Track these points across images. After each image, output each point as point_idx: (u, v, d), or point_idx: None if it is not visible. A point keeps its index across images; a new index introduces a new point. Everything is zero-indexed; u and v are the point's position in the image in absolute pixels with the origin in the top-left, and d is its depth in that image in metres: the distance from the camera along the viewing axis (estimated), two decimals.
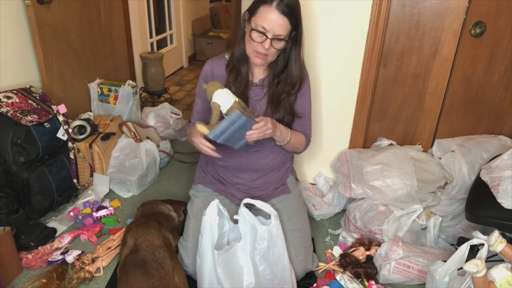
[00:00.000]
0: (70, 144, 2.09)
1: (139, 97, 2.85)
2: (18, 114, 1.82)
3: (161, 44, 4.47)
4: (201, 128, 1.32)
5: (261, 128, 1.35)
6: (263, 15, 1.35)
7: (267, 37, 1.36)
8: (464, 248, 1.32)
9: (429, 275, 1.45)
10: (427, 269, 1.51)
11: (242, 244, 1.37)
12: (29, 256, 1.66)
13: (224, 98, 1.32)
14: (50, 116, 1.96)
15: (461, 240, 1.79)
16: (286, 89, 1.53)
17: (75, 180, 2.13)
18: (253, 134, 1.35)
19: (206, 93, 1.36)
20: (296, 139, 1.61)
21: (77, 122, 2.24)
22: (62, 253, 1.72)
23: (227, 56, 1.58)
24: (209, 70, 1.58)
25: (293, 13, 1.36)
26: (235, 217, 1.43)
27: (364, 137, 2.15)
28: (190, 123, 1.68)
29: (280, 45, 1.40)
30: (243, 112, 1.27)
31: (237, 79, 1.52)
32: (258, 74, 1.57)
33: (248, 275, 1.35)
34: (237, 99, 1.33)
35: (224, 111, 1.33)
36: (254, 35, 1.38)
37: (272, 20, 1.34)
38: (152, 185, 2.37)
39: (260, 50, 1.40)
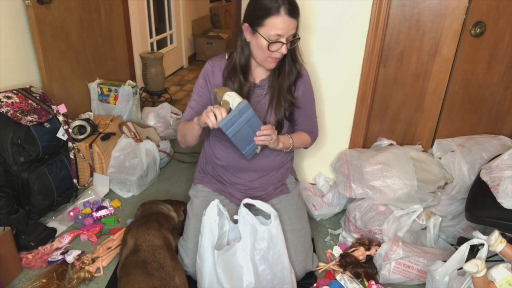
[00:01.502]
0: (70, 144, 2.09)
1: (139, 97, 2.85)
2: (18, 114, 1.82)
3: (161, 44, 4.46)
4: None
5: (268, 130, 1.40)
6: (274, 25, 1.35)
7: (283, 43, 1.38)
8: (464, 248, 1.32)
9: (429, 275, 1.45)
10: (427, 269, 1.51)
11: (242, 244, 1.37)
12: (29, 256, 1.66)
13: (234, 97, 1.37)
14: (50, 116, 1.96)
15: (461, 240, 1.79)
16: (283, 82, 1.54)
17: (75, 180, 2.13)
18: (261, 134, 1.39)
19: (216, 95, 1.42)
20: (300, 141, 1.66)
21: (77, 122, 2.24)
22: (62, 253, 1.72)
23: (227, 57, 1.58)
24: (210, 70, 1.58)
25: (298, 10, 1.37)
26: (235, 217, 1.43)
27: (364, 137, 2.15)
28: (181, 117, 1.66)
29: (294, 43, 1.43)
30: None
31: (238, 85, 1.52)
32: (260, 75, 1.57)
33: (248, 275, 1.35)
34: (246, 101, 1.37)
35: (231, 104, 1.39)
36: (272, 45, 1.38)
37: (284, 27, 1.35)
38: (152, 185, 2.37)
39: (277, 56, 1.42)
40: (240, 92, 1.52)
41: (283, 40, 1.37)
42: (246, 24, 1.42)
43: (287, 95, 1.55)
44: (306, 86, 1.63)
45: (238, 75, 1.52)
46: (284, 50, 1.39)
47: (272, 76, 1.56)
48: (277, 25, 1.35)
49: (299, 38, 1.42)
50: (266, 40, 1.37)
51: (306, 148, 1.80)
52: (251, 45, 1.45)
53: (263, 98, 1.57)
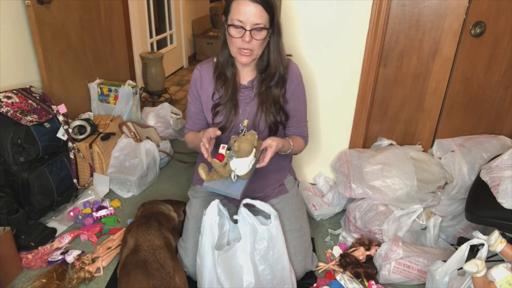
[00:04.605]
0: (70, 144, 2.09)
1: (139, 97, 2.85)
2: (18, 114, 1.82)
3: (161, 44, 4.46)
4: (202, 172, 1.33)
5: (266, 159, 1.38)
6: (236, 9, 1.33)
7: (245, 30, 1.34)
8: (464, 248, 1.32)
9: (429, 275, 1.45)
10: (427, 269, 1.51)
11: (242, 244, 1.37)
12: (29, 256, 1.66)
13: (244, 166, 1.33)
14: (50, 116, 1.96)
15: (461, 240, 1.79)
16: (270, 83, 1.50)
17: (75, 180, 2.13)
18: (262, 164, 1.38)
19: (236, 145, 1.31)
20: (297, 144, 1.62)
21: (77, 122, 2.24)
22: (62, 253, 1.72)
23: (215, 60, 1.56)
24: (198, 75, 1.57)
25: None
26: (235, 217, 1.43)
27: (364, 137, 2.15)
28: (186, 129, 1.67)
29: (261, 35, 1.37)
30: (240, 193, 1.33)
31: (225, 84, 1.51)
32: (247, 76, 1.55)
33: (248, 275, 1.35)
34: (239, 195, 1.33)
35: (233, 174, 1.34)
36: (233, 31, 1.36)
37: (246, 11, 1.32)
38: (152, 185, 2.37)
39: (243, 46, 1.38)
40: (226, 93, 1.50)
41: (246, 27, 1.34)
42: (223, 16, 1.42)
43: (277, 99, 1.52)
44: (297, 85, 1.57)
45: (222, 76, 1.51)
46: (247, 37, 1.35)
47: (259, 77, 1.53)
48: (238, 9, 1.33)
49: (266, 29, 1.37)
50: (229, 25, 1.36)
51: (296, 154, 1.72)
52: (227, 41, 1.44)
53: (252, 100, 1.54)
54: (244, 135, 1.32)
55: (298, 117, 1.63)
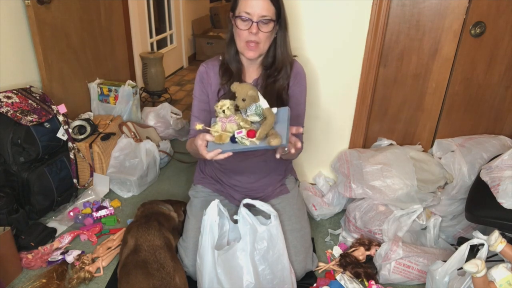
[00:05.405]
0: (70, 144, 2.09)
1: (139, 97, 2.85)
2: (18, 114, 1.82)
3: (161, 44, 4.47)
4: (275, 140, 1.15)
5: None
6: (244, 2, 1.36)
7: (252, 21, 1.36)
8: (464, 248, 1.32)
9: (429, 275, 1.45)
10: (427, 269, 1.51)
11: (242, 244, 1.37)
12: (29, 256, 1.66)
13: (266, 101, 1.22)
14: (50, 116, 1.96)
15: (461, 240, 1.79)
16: (276, 77, 1.50)
17: (75, 180, 2.13)
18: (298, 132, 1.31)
19: (246, 90, 1.18)
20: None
21: (77, 122, 2.24)
22: (62, 253, 1.72)
23: (221, 58, 1.56)
24: (204, 71, 1.56)
25: None
26: (235, 217, 1.43)
27: (364, 137, 2.15)
28: (190, 132, 1.63)
29: (268, 27, 1.38)
30: None
31: (230, 81, 1.51)
32: (252, 74, 1.56)
33: (248, 275, 1.35)
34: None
35: (275, 111, 1.22)
36: (240, 23, 1.38)
37: (253, 4, 1.34)
38: (152, 185, 2.37)
39: (250, 38, 1.39)
40: (229, 90, 1.50)
41: (253, 19, 1.35)
42: (231, 13, 1.43)
43: (280, 94, 1.52)
44: (300, 83, 1.58)
45: (228, 73, 1.51)
46: (254, 29, 1.36)
47: (264, 74, 1.53)
48: (245, 2, 1.35)
49: (273, 21, 1.38)
50: (237, 16, 1.38)
51: (289, 159, 1.66)
52: (234, 36, 1.45)
53: None
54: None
55: (295, 117, 1.59)
